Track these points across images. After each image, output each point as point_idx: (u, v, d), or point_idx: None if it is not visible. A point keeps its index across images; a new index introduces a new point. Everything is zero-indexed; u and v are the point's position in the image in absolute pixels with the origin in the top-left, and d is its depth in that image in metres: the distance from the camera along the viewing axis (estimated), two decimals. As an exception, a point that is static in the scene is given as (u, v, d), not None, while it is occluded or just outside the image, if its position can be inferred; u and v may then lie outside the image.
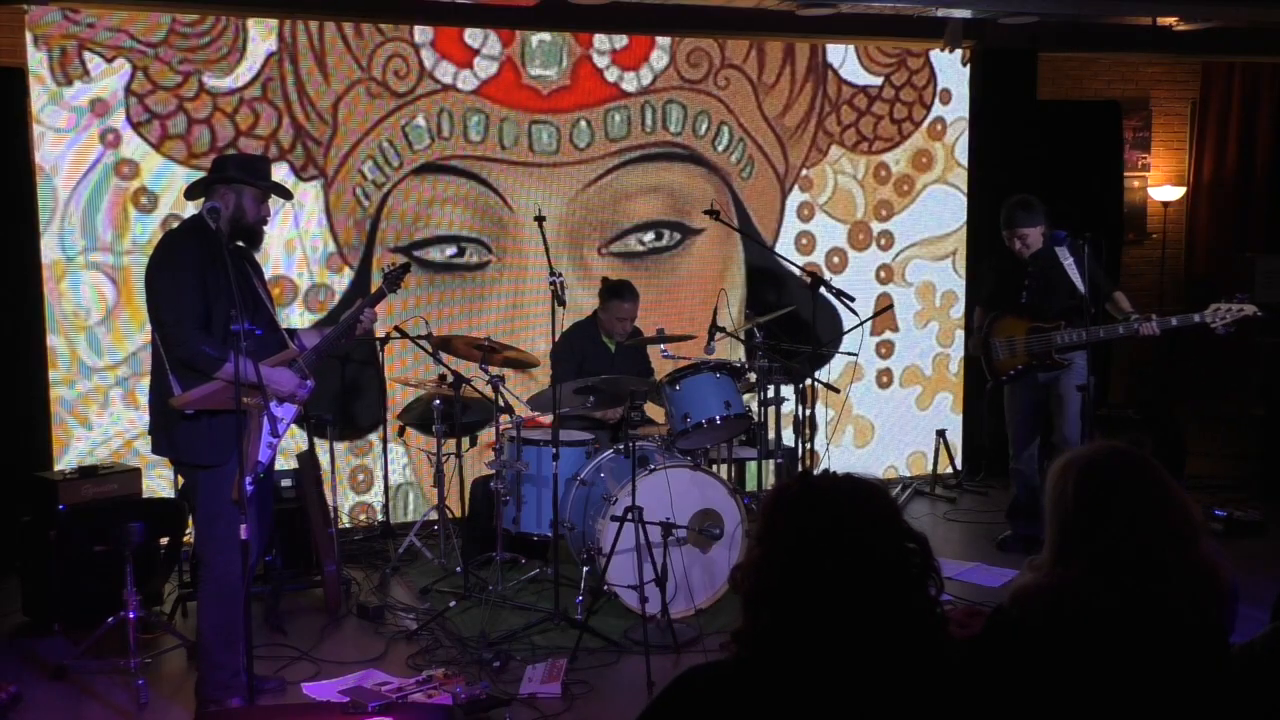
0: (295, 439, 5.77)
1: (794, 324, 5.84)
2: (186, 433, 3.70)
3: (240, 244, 3.89)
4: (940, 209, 7.12)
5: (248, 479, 3.65)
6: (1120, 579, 1.89)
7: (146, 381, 4.10)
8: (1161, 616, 1.88)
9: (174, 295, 3.66)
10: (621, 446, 4.96)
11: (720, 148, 6.66)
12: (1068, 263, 5.30)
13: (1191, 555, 1.91)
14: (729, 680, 1.66)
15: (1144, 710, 1.87)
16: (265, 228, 3.98)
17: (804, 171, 6.86)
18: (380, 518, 6.07)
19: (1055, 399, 5.51)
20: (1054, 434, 5.55)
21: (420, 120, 6.07)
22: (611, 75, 6.38)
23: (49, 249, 5.52)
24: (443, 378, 5.28)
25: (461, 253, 6.22)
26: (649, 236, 6.57)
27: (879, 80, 6.94)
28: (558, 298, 4.67)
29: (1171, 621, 1.88)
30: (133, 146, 5.61)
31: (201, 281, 3.67)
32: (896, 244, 7.08)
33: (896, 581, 1.63)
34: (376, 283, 4.56)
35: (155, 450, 3.91)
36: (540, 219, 4.90)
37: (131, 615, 4.11)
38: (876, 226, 7.05)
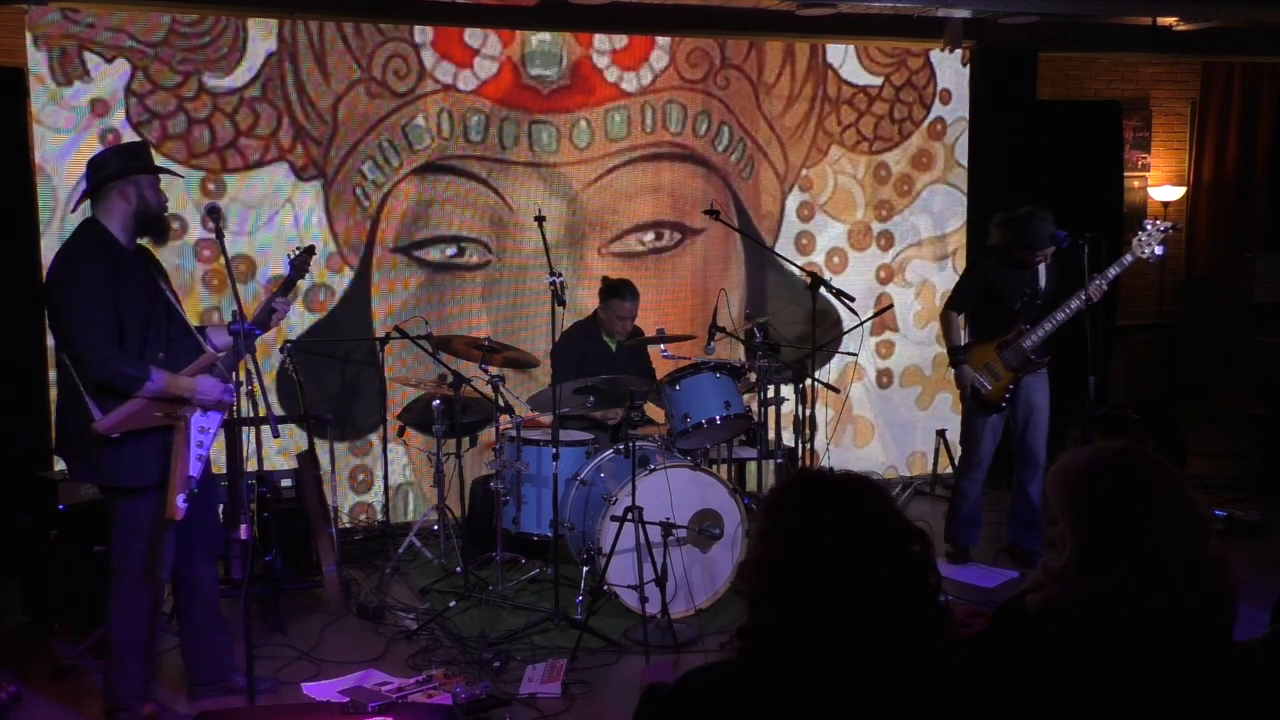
0: (295, 439, 5.77)
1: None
2: (111, 456, 3.51)
3: (142, 242, 3.66)
4: (940, 209, 7.12)
5: (180, 497, 3.52)
6: (1166, 581, 1.90)
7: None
8: (1191, 616, 1.91)
9: (83, 315, 3.40)
10: (621, 446, 4.96)
11: (720, 148, 6.65)
12: (1044, 265, 5.32)
13: (1208, 552, 1.93)
14: (734, 678, 1.66)
15: (1168, 710, 1.89)
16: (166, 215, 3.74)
17: (804, 171, 6.85)
18: (380, 518, 6.07)
19: (1026, 409, 5.34)
20: (1019, 446, 5.40)
21: (420, 120, 6.07)
22: (611, 75, 6.38)
23: (49, 249, 5.51)
24: (443, 378, 5.28)
25: (461, 253, 6.22)
26: (649, 236, 6.57)
27: (879, 80, 6.94)
28: (558, 298, 4.67)
29: (1193, 620, 1.91)
30: (133, 146, 5.60)
31: (110, 296, 3.43)
32: (896, 244, 7.08)
33: (899, 573, 1.63)
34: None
35: (75, 475, 3.73)
36: (540, 219, 4.90)
37: (131, 615, 4.11)
38: (876, 226, 7.05)
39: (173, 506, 3.52)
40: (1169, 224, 5.18)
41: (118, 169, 3.55)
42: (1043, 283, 5.33)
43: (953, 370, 5.49)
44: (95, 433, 3.46)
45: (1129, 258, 5.13)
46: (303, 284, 5.86)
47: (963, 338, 5.42)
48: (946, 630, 1.69)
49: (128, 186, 3.55)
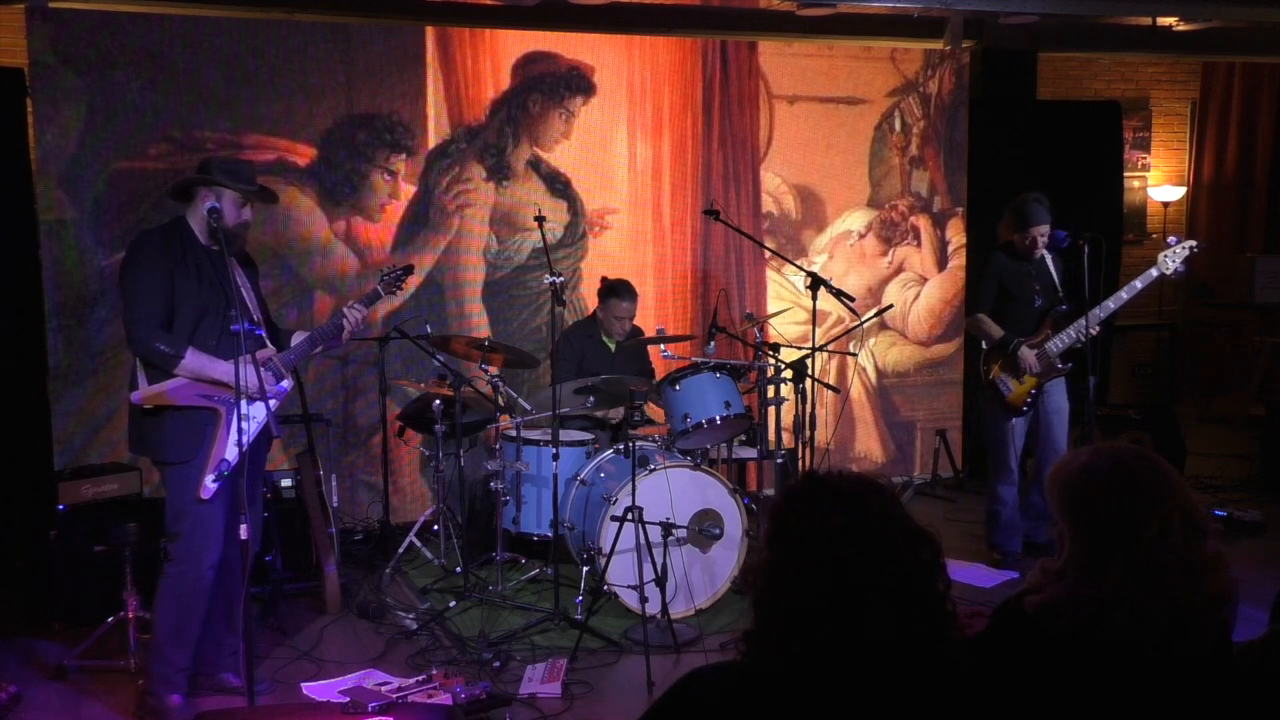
0: (296, 439, 5.77)
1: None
2: (151, 428, 3.74)
3: (217, 248, 3.77)
4: (940, 209, 7.11)
5: (210, 476, 3.67)
6: (1164, 582, 1.90)
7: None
8: (1189, 616, 1.91)
9: (135, 294, 3.68)
10: (621, 446, 4.96)
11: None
12: (1050, 261, 5.35)
13: (1206, 552, 1.94)
14: (739, 680, 1.65)
15: (1167, 711, 1.89)
16: (246, 233, 3.95)
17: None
18: (380, 518, 6.06)
19: (1048, 412, 5.38)
20: (1043, 445, 5.42)
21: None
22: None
23: (49, 249, 5.50)
24: (443, 378, 5.28)
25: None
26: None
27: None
28: (558, 298, 4.67)
29: (1192, 621, 1.91)
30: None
31: (168, 281, 3.68)
32: (896, 243, 7.07)
33: (908, 577, 1.62)
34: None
35: (130, 448, 3.95)
36: (540, 219, 4.90)
37: (131, 615, 4.13)
38: (876, 226, 7.03)
39: (200, 485, 3.68)
40: (1195, 243, 5.26)
41: (210, 178, 3.78)
42: (1056, 279, 5.33)
43: (993, 366, 5.39)
44: (132, 403, 3.71)
45: (1155, 272, 5.19)
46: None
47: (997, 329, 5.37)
48: (954, 636, 1.67)
49: (209, 194, 3.77)
